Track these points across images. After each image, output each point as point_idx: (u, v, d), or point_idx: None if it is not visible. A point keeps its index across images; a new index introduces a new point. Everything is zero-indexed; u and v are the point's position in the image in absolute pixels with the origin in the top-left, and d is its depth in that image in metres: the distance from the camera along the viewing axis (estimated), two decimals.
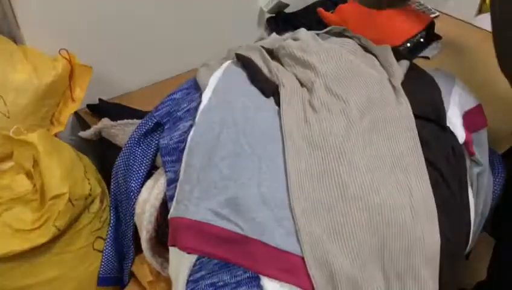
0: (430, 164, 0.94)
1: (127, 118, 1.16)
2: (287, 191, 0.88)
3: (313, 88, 1.04)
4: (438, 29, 1.65)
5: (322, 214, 0.86)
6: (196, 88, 1.07)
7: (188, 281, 0.85)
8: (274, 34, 1.30)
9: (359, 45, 1.22)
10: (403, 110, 1.00)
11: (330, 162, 0.90)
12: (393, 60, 1.12)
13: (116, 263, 1.11)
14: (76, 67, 1.18)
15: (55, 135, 1.17)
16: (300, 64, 1.09)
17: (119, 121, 1.15)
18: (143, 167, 1.03)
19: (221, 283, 0.82)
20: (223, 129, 0.94)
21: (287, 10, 1.64)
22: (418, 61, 1.15)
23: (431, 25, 1.65)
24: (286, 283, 0.81)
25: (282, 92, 1.02)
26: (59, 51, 1.15)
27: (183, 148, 0.95)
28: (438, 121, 0.99)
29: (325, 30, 1.29)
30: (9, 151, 1.06)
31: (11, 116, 1.07)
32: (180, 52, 1.48)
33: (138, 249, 1.04)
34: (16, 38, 1.19)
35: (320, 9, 1.65)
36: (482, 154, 1.03)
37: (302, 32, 1.18)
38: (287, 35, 1.24)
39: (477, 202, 1.00)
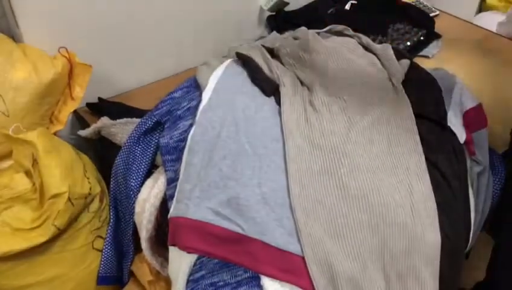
0: (430, 163, 0.94)
1: (127, 117, 1.16)
2: (287, 191, 0.88)
3: (313, 87, 1.04)
4: (438, 28, 1.65)
5: (322, 214, 0.86)
6: (196, 87, 1.07)
7: (188, 281, 0.85)
8: (274, 33, 1.30)
9: (359, 43, 1.21)
10: (403, 110, 1.00)
11: (331, 162, 0.90)
12: (394, 59, 1.12)
13: (116, 262, 1.11)
14: (76, 65, 1.18)
15: (55, 134, 1.17)
16: (301, 64, 1.09)
17: (118, 120, 1.15)
18: (143, 166, 1.02)
19: (222, 282, 0.82)
20: (223, 128, 0.94)
21: (286, 8, 1.64)
22: (419, 60, 1.15)
23: (431, 24, 1.65)
24: (286, 282, 0.81)
25: (283, 91, 1.02)
26: (58, 50, 1.15)
27: (183, 147, 0.95)
28: (439, 120, 0.99)
29: (325, 29, 1.29)
30: (8, 150, 1.05)
31: (11, 114, 1.07)
32: (180, 51, 1.48)
33: (138, 249, 1.04)
34: (15, 37, 1.19)
35: None
36: (482, 154, 1.03)
37: (303, 31, 1.18)
38: (288, 34, 1.24)
39: (478, 202, 1.00)
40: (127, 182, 1.02)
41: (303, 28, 1.19)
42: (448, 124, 1.00)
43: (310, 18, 1.63)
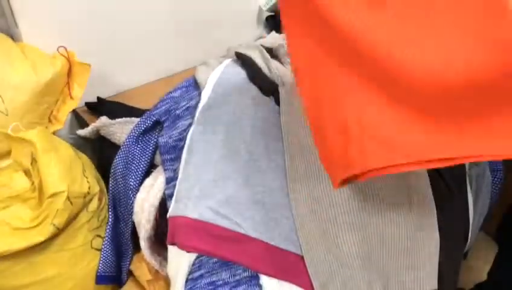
0: None
1: (126, 116, 1.16)
2: (286, 190, 0.88)
3: None
4: None
5: (321, 213, 0.86)
6: (195, 86, 1.07)
7: (187, 280, 0.85)
8: (273, 33, 1.30)
9: None
10: None
11: None
12: None
13: (115, 262, 1.11)
14: (75, 65, 1.18)
15: (54, 133, 1.17)
16: None
17: (117, 119, 1.15)
18: (141, 165, 1.03)
19: (221, 281, 0.82)
20: (222, 127, 0.94)
21: None
22: None
23: None
24: (285, 281, 0.81)
25: (282, 91, 1.02)
26: (57, 49, 1.15)
27: (182, 147, 0.95)
28: None
29: None
30: (7, 149, 1.05)
31: (10, 113, 1.07)
32: (179, 51, 1.48)
33: (137, 248, 1.04)
34: (14, 36, 1.18)
35: None
36: None
37: None
38: None
39: (476, 202, 1.01)
40: (126, 182, 1.02)
41: None
42: None
43: None
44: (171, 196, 0.92)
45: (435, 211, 0.88)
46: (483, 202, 1.03)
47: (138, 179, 1.02)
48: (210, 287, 0.82)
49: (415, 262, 0.83)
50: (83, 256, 1.07)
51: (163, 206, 0.97)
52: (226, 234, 0.83)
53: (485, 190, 1.03)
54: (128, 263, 1.10)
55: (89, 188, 1.06)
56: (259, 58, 1.10)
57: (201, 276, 0.84)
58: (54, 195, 0.97)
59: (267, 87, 1.03)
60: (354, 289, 0.81)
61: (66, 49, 1.16)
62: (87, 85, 1.20)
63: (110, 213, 1.10)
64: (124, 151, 1.04)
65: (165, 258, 0.96)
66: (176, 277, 0.88)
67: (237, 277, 0.82)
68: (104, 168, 1.14)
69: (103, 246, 1.10)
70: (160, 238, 1.00)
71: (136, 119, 1.08)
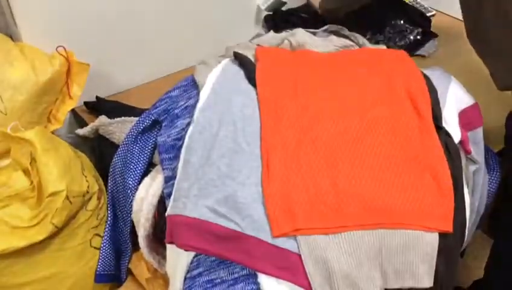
0: None
1: (125, 116, 1.16)
2: None
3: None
4: (435, 27, 1.65)
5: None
6: (194, 86, 1.07)
7: (185, 278, 0.86)
8: (271, 32, 1.30)
9: (355, 43, 1.22)
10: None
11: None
12: None
13: (114, 260, 1.12)
14: (74, 64, 1.18)
15: (53, 132, 1.17)
16: None
17: (116, 119, 1.15)
18: (140, 165, 1.03)
19: (219, 280, 0.82)
20: (221, 127, 0.94)
21: (284, 8, 1.64)
22: (415, 60, 1.15)
23: (427, 24, 1.65)
24: (283, 280, 0.81)
25: None
26: (56, 48, 1.15)
27: (181, 146, 0.95)
28: (434, 120, 1.00)
29: (322, 29, 1.29)
30: (6, 148, 1.05)
31: (8, 113, 1.07)
32: (178, 50, 1.48)
33: (135, 246, 1.05)
34: (13, 36, 1.19)
35: None
36: (478, 152, 1.04)
37: (299, 32, 1.18)
38: (284, 33, 1.24)
39: (473, 200, 1.01)
40: (124, 181, 1.03)
41: (300, 29, 1.20)
42: (444, 123, 1.01)
43: (307, 17, 1.63)
44: (169, 194, 0.92)
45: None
46: (480, 200, 1.03)
47: (137, 178, 1.02)
48: (208, 285, 0.82)
49: (413, 260, 0.84)
50: (82, 255, 1.07)
51: (161, 205, 0.97)
52: (223, 233, 0.83)
53: (481, 188, 1.03)
54: (127, 261, 1.10)
55: (88, 187, 1.06)
56: None
57: (199, 274, 0.84)
58: (53, 194, 0.97)
59: None
60: (353, 285, 0.81)
61: (65, 49, 1.16)
62: (86, 84, 1.20)
63: (109, 212, 1.11)
64: (122, 150, 1.05)
65: (164, 257, 0.97)
66: (174, 275, 0.89)
67: (235, 275, 0.82)
68: (103, 167, 1.14)
69: (102, 245, 1.10)
70: (159, 237, 1.00)
71: (134, 119, 1.08)
